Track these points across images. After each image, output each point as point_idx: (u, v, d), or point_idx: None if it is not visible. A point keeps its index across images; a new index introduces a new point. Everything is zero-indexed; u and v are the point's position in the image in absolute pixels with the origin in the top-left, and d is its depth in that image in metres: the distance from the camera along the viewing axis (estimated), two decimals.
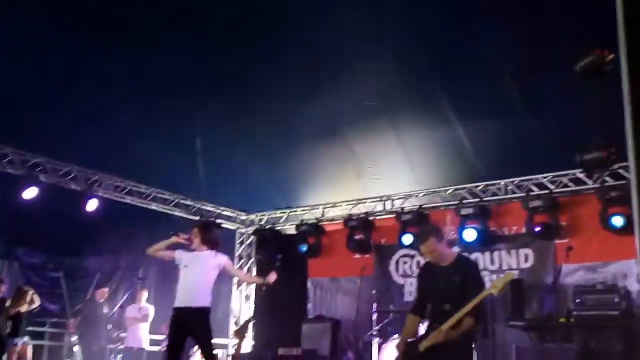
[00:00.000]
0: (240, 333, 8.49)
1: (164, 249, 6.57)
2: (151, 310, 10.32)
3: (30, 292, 9.41)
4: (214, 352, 6.25)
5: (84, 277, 11.27)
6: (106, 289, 10.80)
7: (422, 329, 5.32)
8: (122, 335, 10.40)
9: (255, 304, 12.21)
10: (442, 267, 4.90)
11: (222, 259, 6.52)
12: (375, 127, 8.66)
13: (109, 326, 10.39)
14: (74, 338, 10.80)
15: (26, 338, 9.41)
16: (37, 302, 9.48)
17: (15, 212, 9.23)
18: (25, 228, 10.00)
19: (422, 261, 5.25)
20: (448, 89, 7.49)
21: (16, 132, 8.55)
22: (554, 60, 6.43)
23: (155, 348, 10.41)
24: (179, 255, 6.51)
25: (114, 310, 10.34)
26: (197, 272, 6.31)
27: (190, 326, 6.16)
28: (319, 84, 7.76)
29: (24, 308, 9.25)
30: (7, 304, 9.23)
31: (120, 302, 10.00)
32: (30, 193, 8.99)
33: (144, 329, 10.30)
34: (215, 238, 6.64)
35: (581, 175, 8.64)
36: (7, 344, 9.23)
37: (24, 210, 9.21)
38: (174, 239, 6.56)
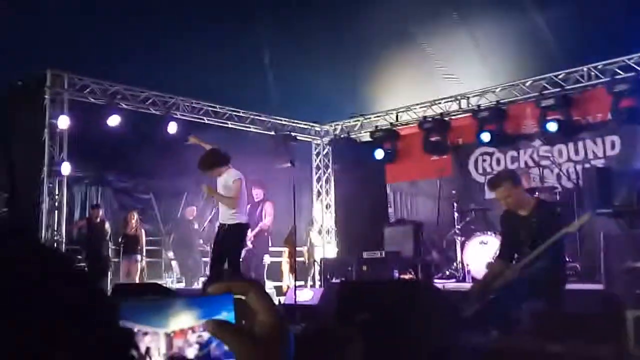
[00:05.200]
0: (290, 241, 8.73)
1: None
2: None
3: (134, 218, 10.09)
4: (236, 263, 6.59)
5: (173, 197, 11.82)
6: (194, 207, 11.34)
7: None
8: None
9: (336, 212, 12.48)
10: (521, 217, 4.69)
11: (230, 178, 6.54)
12: (444, 23, 8.32)
13: (201, 241, 10.96)
14: (171, 254, 11.50)
15: (138, 257, 10.13)
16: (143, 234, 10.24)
17: (102, 139, 9.67)
18: (113, 154, 10.46)
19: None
20: None
21: (92, 62, 8.83)
22: None
23: None
24: None
25: (204, 225, 10.85)
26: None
27: (222, 240, 6.61)
28: None
29: (131, 231, 9.96)
30: (107, 226, 9.92)
31: (209, 217, 10.44)
32: (113, 120, 9.40)
33: None
34: (216, 160, 6.61)
35: None
36: (110, 264, 10.00)
37: (110, 137, 9.64)
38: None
